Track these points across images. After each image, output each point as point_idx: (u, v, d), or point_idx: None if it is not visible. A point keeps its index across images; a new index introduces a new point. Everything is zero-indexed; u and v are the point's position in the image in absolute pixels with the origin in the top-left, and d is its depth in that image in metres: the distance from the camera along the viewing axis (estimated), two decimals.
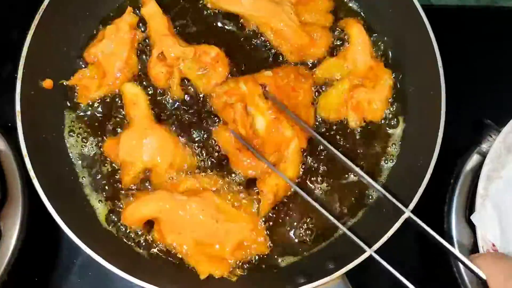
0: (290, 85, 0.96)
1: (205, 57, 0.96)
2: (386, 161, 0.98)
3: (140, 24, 1.01)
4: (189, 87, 0.99)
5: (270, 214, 0.93)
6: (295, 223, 0.94)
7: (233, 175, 0.94)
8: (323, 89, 1.00)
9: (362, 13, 1.05)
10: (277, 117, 0.92)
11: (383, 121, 0.99)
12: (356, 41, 1.00)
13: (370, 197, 0.96)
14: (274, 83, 0.95)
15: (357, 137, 0.98)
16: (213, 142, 0.96)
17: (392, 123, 0.99)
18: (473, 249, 0.89)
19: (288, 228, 0.93)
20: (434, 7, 1.23)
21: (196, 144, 0.95)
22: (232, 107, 0.93)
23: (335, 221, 0.87)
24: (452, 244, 0.90)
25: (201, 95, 0.98)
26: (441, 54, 0.90)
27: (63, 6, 0.94)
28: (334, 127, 0.99)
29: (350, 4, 1.06)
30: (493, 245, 0.86)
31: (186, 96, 0.98)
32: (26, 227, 0.91)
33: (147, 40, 1.00)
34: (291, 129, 0.92)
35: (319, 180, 0.96)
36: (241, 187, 0.93)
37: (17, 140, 0.87)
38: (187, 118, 0.97)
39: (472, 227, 0.88)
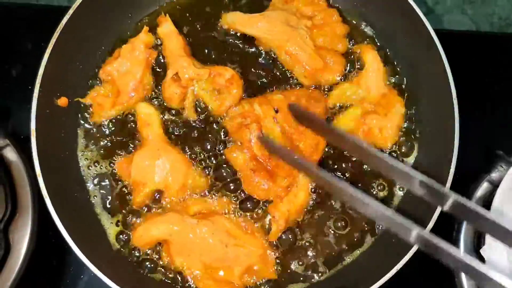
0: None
1: (219, 79, 0.97)
2: (400, 189, 0.98)
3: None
4: (203, 108, 0.99)
5: (280, 239, 0.93)
6: (304, 250, 0.93)
7: (243, 197, 0.94)
8: (336, 114, 1.00)
9: (376, 39, 1.05)
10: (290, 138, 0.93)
11: (395, 148, 0.99)
12: (370, 68, 1.00)
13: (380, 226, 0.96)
14: (286, 106, 0.95)
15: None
16: (225, 164, 0.95)
17: (404, 151, 0.99)
18: None
19: (297, 255, 0.93)
20: (446, 32, 1.23)
21: (208, 166, 0.95)
22: (247, 127, 0.92)
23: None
24: (459, 277, 0.90)
25: (214, 117, 0.99)
26: (454, 79, 0.90)
27: (81, 25, 0.94)
28: (345, 152, 0.98)
29: (365, 30, 1.06)
30: None
31: (199, 117, 0.98)
32: (35, 241, 0.91)
33: (162, 60, 1.00)
34: (302, 154, 0.92)
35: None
36: (252, 211, 0.93)
37: (28, 152, 0.88)
38: (199, 139, 0.97)
39: (481, 258, 0.88)
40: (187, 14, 1.05)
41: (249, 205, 0.93)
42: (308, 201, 0.94)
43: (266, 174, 0.91)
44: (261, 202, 0.93)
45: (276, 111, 0.94)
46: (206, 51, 1.03)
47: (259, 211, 0.93)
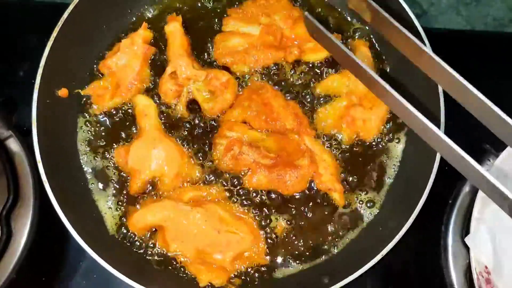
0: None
1: (215, 82, 0.99)
2: (388, 178, 1.00)
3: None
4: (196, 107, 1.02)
5: (271, 228, 0.95)
6: (294, 238, 0.96)
7: (237, 186, 0.96)
8: (322, 103, 1.02)
9: (370, 36, 1.08)
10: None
11: (383, 139, 1.01)
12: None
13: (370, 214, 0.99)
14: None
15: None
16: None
17: (392, 142, 1.01)
18: (468, 269, 0.91)
19: (288, 242, 0.95)
20: (441, 31, 1.25)
21: (202, 156, 0.98)
22: (239, 159, 0.94)
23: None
24: (447, 263, 0.93)
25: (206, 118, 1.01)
26: None
27: (82, 19, 0.97)
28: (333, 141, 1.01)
29: (358, 26, 1.09)
30: (486, 267, 0.88)
31: (191, 115, 1.01)
32: (36, 228, 0.94)
33: (164, 57, 1.03)
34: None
35: None
36: (243, 199, 0.96)
37: (31, 143, 0.90)
38: (193, 131, 1.00)
39: (468, 248, 0.90)
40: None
41: (241, 193, 0.96)
42: (333, 156, 0.98)
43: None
44: (252, 191, 0.96)
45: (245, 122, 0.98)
46: (208, 56, 1.05)
47: (251, 199, 0.96)
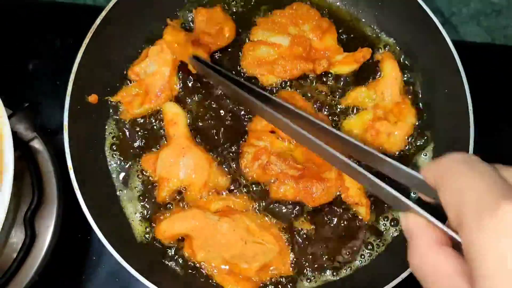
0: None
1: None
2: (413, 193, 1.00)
3: None
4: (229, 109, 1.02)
5: (298, 239, 0.96)
6: (320, 250, 0.96)
7: (263, 197, 0.97)
8: (348, 114, 1.03)
9: (398, 49, 1.09)
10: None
11: (410, 152, 1.02)
12: (388, 76, 1.03)
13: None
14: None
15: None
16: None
17: (420, 156, 1.02)
18: None
19: (313, 254, 0.96)
20: (462, 43, 1.26)
21: (229, 166, 0.98)
22: (266, 168, 0.95)
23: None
24: None
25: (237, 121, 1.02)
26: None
27: (113, 25, 0.97)
28: None
29: (386, 39, 1.10)
30: None
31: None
32: (60, 231, 0.94)
33: None
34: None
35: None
36: (270, 210, 0.96)
37: (55, 145, 0.91)
38: (221, 141, 1.00)
39: None
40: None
41: (268, 204, 0.96)
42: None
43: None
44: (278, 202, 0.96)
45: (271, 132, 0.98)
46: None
47: (276, 209, 0.96)
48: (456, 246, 0.48)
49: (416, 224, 0.52)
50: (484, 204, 0.42)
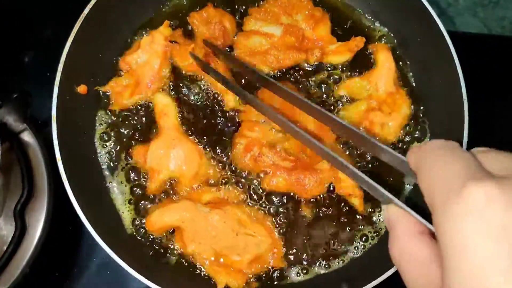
0: None
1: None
2: (408, 184, 1.00)
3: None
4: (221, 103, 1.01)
5: (290, 231, 0.95)
6: (313, 242, 0.95)
7: (255, 188, 0.96)
8: (342, 105, 1.02)
9: (393, 39, 1.08)
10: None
11: (403, 145, 1.01)
12: (382, 66, 1.02)
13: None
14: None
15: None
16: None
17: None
18: None
19: (306, 246, 0.95)
20: (458, 34, 1.24)
21: (220, 157, 0.97)
22: (258, 160, 0.94)
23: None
24: None
25: (228, 112, 1.01)
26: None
27: (103, 15, 0.96)
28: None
29: (381, 29, 1.08)
30: None
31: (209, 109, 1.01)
32: (50, 223, 0.93)
33: None
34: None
35: None
36: (261, 202, 0.95)
37: (45, 137, 0.90)
38: (213, 132, 0.99)
39: None
40: None
41: (259, 196, 0.95)
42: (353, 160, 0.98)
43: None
44: (270, 194, 0.96)
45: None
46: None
47: (268, 202, 0.96)
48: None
49: (395, 215, 0.53)
50: (452, 186, 0.41)
